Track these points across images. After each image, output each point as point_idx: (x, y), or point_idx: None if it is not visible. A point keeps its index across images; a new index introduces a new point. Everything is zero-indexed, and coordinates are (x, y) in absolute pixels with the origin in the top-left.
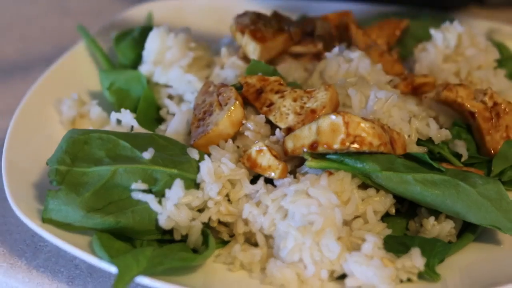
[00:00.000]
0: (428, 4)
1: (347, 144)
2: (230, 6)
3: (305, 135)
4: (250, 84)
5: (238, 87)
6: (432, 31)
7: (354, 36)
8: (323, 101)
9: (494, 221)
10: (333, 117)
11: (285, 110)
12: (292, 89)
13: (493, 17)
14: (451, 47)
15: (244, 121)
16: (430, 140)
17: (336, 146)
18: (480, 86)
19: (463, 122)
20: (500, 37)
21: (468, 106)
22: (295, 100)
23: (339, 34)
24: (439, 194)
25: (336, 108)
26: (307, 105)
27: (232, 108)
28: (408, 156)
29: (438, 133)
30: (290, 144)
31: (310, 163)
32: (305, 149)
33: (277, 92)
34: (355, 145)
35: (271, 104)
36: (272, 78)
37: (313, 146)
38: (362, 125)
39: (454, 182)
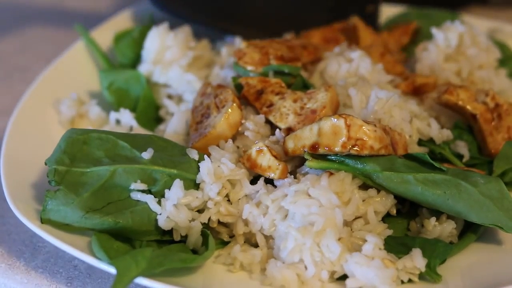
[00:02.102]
0: (431, 2)
1: (348, 147)
2: None
3: (306, 136)
4: (251, 84)
5: (238, 87)
6: (434, 31)
7: (361, 33)
8: (323, 102)
9: (496, 220)
10: (334, 119)
11: (285, 111)
12: (293, 91)
13: (495, 16)
14: (452, 46)
15: (243, 121)
16: (431, 141)
17: (337, 149)
18: (481, 85)
19: (465, 123)
20: (502, 37)
21: (470, 108)
22: (295, 101)
23: (347, 38)
24: (441, 194)
25: (336, 108)
26: (307, 106)
27: (230, 110)
28: (409, 157)
29: (439, 133)
30: (290, 144)
31: (310, 163)
32: (305, 150)
33: (277, 94)
34: (356, 148)
35: (271, 104)
36: (273, 80)
37: (314, 147)
38: (364, 128)
39: (456, 182)
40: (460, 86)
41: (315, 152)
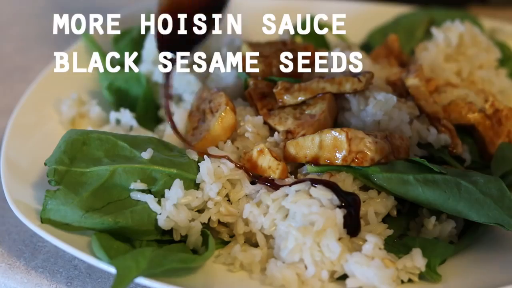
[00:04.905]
0: (431, 2)
1: (349, 161)
2: (230, 5)
3: (308, 146)
4: (259, 85)
5: (246, 84)
6: (434, 30)
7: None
8: (322, 107)
9: (497, 218)
10: (336, 133)
11: (284, 115)
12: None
13: (495, 16)
14: (452, 46)
15: (242, 123)
16: (430, 144)
17: (338, 161)
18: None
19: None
20: (502, 37)
21: (464, 122)
22: (295, 108)
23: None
24: (441, 193)
25: (335, 114)
26: (306, 112)
27: (223, 114)
28: (408, 161)
29: (437, 138)
30: (292, 151)
31: (311, 168)
32: (307, 159)
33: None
34: (357, 161)
35: (272, 109)
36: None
37: (314, 160)
38: (365, 140)
39: (456, 181)
40: (448, 103)
41: (316, 164)
